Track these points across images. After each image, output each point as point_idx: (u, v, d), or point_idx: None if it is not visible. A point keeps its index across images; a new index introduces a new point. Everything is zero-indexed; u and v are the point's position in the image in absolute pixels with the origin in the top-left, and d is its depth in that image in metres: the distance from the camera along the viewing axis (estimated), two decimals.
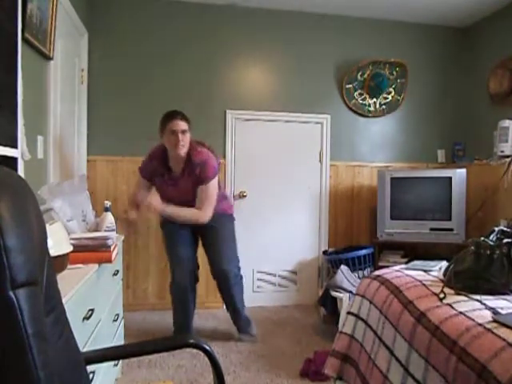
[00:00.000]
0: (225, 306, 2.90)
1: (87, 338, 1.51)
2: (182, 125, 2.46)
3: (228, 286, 2.73)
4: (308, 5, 3.51)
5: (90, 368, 0.99)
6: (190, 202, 2.56)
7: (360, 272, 3.22)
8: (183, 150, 2.47)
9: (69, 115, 2.85)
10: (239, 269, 2.79)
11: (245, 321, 2.85)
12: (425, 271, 1.89)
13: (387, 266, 2.28)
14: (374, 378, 1.61)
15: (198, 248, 2.82)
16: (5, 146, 1.63)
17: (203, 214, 2.52)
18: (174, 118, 2.46)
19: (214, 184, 2.56)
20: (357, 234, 3.80)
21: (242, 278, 2.82)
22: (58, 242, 1.38)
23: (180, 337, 1.17)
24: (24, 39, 1.86)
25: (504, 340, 1.13)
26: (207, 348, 1.03)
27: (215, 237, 2.71)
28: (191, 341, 1.06)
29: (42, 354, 0.58)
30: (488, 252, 1.55)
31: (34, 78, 2.13)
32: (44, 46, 2.15)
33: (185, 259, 2.72)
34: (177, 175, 2.57)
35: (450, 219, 3.25)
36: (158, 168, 2.59)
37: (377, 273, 1.98)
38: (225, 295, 2.80)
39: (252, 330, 2.85)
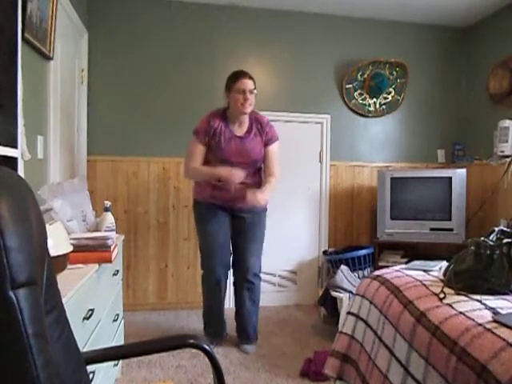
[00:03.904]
0: (234, 314, 2.80)
1: (87, 338, 1.51)
2: (250, 84, 2.51)
3: (245, 285, 2.66)
4: (308, 5, 3.51)
5: (90, 368, 0.99)
6: (253, 164, 2.53)
7: (360, 272, 3.22)
8: (249, 109, 2.51)
9: (69, 115, 2.85)
10: (260, 269, 2.73)
11: (253, 331, 2.73)
12: (425, 271, 1.89)
13: (387, 266, 2.28)
14: (373, 378, 1.61)
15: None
16: (5, 145, 1.63)
17: (276, 180, 2.55)
18: (242, 77, 2.50)
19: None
20: (357, 234, 3.80)
21: (260, 279, 2.74)
22: (58, 242, 1.38)
23: (180, 337, 1.17)
24: (24, 39, 1.86)
25: (504, 340, 1.13)
26: (207, 348, 1.03)
27: (249, 232, 2.62)
28: (191, 341, 1.06)
29: (42, 354, 0.58)
30: (488, 252, 1.55)
31: (34, 78, 2.13)
32: (44, 46, 2.15)
33: (221, 247, 2.62)
34: (242, 135, 2.54)
35: (450, 219, 3.25)
36: (220, 128, 2.52)
37: (377, 273, 1.98)
38: (239, 296, 2.71)
39: (253, 344, 2.72)
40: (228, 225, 2.65)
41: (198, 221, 2.68)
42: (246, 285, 2.68)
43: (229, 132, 2.54)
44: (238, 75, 2.52)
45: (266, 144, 2.57)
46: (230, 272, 2.75)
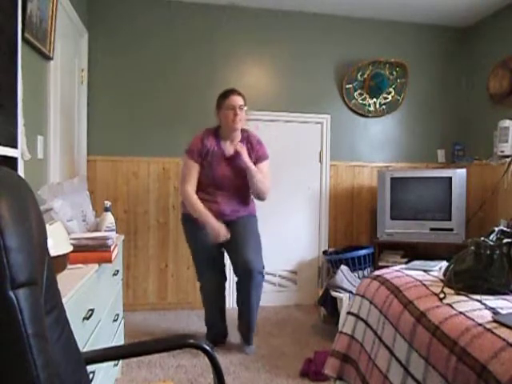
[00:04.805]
0: (237, 314, 2.76)
1: (87, 338, 1.51)
2: (240, 100, 2.56)
3: (250, 284, 2.56)
4: (308, 5, 3.51)
5: (90, 368, 0.99)
6: (243, 183, 2.56)
7: (360, 272, 3.22)
8: (240, 125, 2.55)
9: (69, 115, 2.85)
10: (263, 267, 2.63)
11: (252, 332, 2.73)
12: (425, 271, 1.89)
13: (387, 266, 2.28)
14: (373, 378, 1.61)
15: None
16: (5, 145, 1.63)
17: (268, 189, 2.59)
18: (231, 94, 2.55)
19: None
20: (357, 234, 3.80)
21: (263, 277, 2.65)
22: (58, 242, 1.38)
23: (180, 337, 1.17)
24: (24, 39, 1.86)
25: (504, 340, 1.12)
26: (207, 348, 1.03)
27: (242, 231, 2.62)
28: (191, 341, 1.06)
29: (42, 353, 0.58)
30: (488, 252, 1.55)
31: (34, 78, 2.13)
32: (44, 46, 2.15)
33: (214, 260, 2.68)
34: (232, 154, 2.57)
35: (450, 219, 3.25)
36: (213, 148, 2.56)
37: (377, 273, 1.98)
38: (243, 295, 2.65)
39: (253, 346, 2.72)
40: None
41: (187, 235, 2.72)
42: (248, 267, 2.54)
43: (220, 152, 2.58)
44: (227, 92, 2.59)
45: (255, 163, 2.59)
46: (231, 273, 2.75)
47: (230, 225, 2.58)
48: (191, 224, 2.62)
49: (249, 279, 2.55)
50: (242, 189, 2.63)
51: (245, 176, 2.56)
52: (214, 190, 2.58)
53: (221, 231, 2.49)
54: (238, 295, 2.72)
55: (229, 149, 2.60)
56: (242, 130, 2.64)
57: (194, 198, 2.55)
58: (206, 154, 2.56)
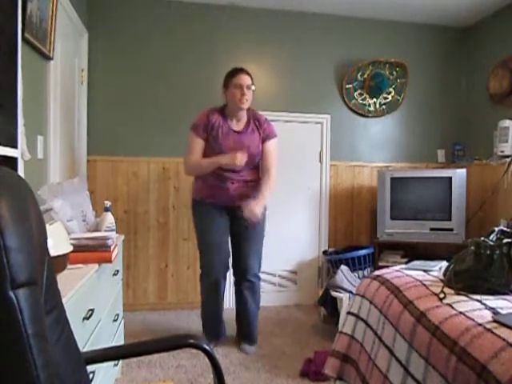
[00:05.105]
0: (235, 315, 2.80)
1: (87, 338, 1.51)
2: (248, 79, 2.53)
3: (248, 288, 2.66)
4: (308, 5, 3.51)
5: (90, 368, 0.99)
6: (251, 159, 2.51)
7: (360, 272, 3.22)
8: (247, 104, 2.52)
9: (69, 115, 2.85)
10: (259, 269, 2.72)
11: (253, 332, 2.73)
12: (425, 271, 1.89)
13: (387, 266, 2.28)
14: (374, 378, 1.61)
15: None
16: (5, 145, 1.63)
17: (273, 181, 2.54)
18: (239, 73, 2.53)
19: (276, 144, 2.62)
20: (357, 234, 3.80)
21: (260, 279, 2.73)
22: (58, 242, 1.38)
23: (180, 337, 1.17)
24: (24, 39, 1.86)
25: (504, 340, 1.12)
26: (207, 348, 1.03)
27: (250, 235, 2.60)
28: (191, 341, 1.06)
29: (42, 353, 0.58)
30: (488, 252, 1.55)
31: (34, 78, 2.13)
32: (44, 46, 2.15)
33: (219, 247, 2.60)
34: (239, 130, 2.55)
35: (450, 219, 3.25)
36: (218, 123, 2.53)
37: (377, 273, 1.98)
38: (241, 299, 2.70)
39: (253, 345, 2.72)
40: (226, 225, 2.64)
41: (196, 220, 2.67)
42: (247, 284, 2.67)
43: (227, 127, 2.54)
44: (235, 71, 2.55)
45: (264, 140, 2.58)
46: (229, 273, 2.74)
47: (238, 213, 2.49)
48: (200, 209, 2.61)
49: (245, 282, 2.66)
50: (252, 165, 2.57)
51: (253, 153, 2.52)
52: (223, 172, 2.50)
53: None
54: (236, 296, 2.76)
55: (235, 126, 2.57)
56: (248, 109, 2.59)
57: (198, 159, 2.51)
58: (212, 128, 2.52)
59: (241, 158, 2.38)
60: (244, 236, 2.62)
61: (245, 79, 2.51)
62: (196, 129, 2.53)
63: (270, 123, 2.64)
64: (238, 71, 2.54)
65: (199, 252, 2.70)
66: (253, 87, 2.55)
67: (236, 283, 2.75)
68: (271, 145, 2.60)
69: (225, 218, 2.62)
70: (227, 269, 2.70)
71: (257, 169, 2.64)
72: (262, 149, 2.58)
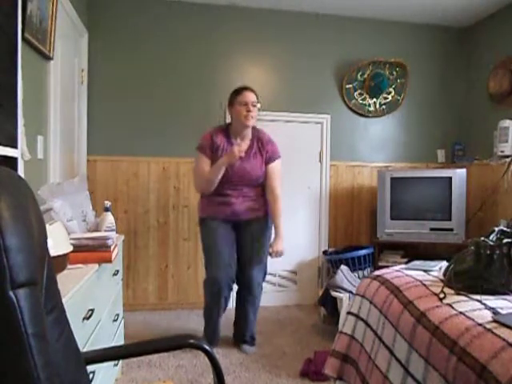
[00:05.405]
0: (234, 319, 2.81)
1: (87, 338, 1.51)
2: (253, 96, 2.55)
3: (249, 296, 2.68)
4: (308, 5, 3.51)
5: (90, 368, 0.99)
6: (254, 181, 2.57)
7: (360, 272, 3.22)
8: (252, 122, 2.53)
9: (69, 115, 2.85)
10: (264, 279, 2.75)
11: (253, 333, 2.75)
12: (425, 271, 1.88)
13: (387, 266, 2.28)
14: (373, 378, 1.61)
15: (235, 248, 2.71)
16: (5, 145, 1.63)
17: (280, 203, 2.63)
18: (244, 90, 2.55)
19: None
20: (357, 234, 3.80)
21: (262, 289, 2.76)
22: (58, 242, 1.38)
23: (180, 337, 1.17)
24: (24, 39, 1.86)
25: (504, 340, 1.12)
26: (207, 348, 1.03)
27: (255, 246, 2.64)
28: (191, 341, 1.06)
29: (42, 353, 0.58)
30: (488, 252, 1.54)
31: (34, 78, 2.13)
32: (44, 46, 2.15)
33: (225, 257, 2.60)
34: (242, 155, 2.54)
35: (450, 219, 3.25)
36: (222, 145, 2.56)
37: (377, 273, 1.98)
38: (242, 304, 2.72)
39: (254, 345, 2.73)
40: (232, 238, 2.66)
41: (203, 236, 2.69)
42: (248, 296, 2.69)
43: (231, 148, 2.53)
44: (240, 89, 2.59)
45: (267, 162, 2.60)
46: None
47: (243, 226, 2.61)
48: (207, 226, 2.64)
49: (247, 292, 2.69)
50: (256, 185, 2.62)
51: (255, 178, 2.57)
52: (227, 189, 2.55)
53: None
54: (236, 302, 2.78)
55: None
56: (253, 129, 2.62)
57: (204, 172, 2.54)
58: (217, 149, 2.55)
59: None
60: (250, 247, 2.65)
61: (250, 96, 2.53)
62: (203, 149, 2.57)
63: (273, 143, 2.66)
64: (242, 89, 2.57)
65: (205, 261, 2.67)
66: (258, 105, 2.57)
67: (238, 292, 2.76)
68: (275, 166, 2.63)
69: (231, 232, 2.65)
70: (233, 282, 2.68)
71: (260, 185, 2.66)
72: (266, 170, 2.61)
